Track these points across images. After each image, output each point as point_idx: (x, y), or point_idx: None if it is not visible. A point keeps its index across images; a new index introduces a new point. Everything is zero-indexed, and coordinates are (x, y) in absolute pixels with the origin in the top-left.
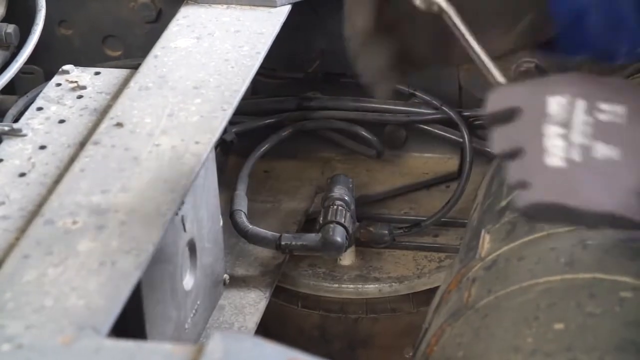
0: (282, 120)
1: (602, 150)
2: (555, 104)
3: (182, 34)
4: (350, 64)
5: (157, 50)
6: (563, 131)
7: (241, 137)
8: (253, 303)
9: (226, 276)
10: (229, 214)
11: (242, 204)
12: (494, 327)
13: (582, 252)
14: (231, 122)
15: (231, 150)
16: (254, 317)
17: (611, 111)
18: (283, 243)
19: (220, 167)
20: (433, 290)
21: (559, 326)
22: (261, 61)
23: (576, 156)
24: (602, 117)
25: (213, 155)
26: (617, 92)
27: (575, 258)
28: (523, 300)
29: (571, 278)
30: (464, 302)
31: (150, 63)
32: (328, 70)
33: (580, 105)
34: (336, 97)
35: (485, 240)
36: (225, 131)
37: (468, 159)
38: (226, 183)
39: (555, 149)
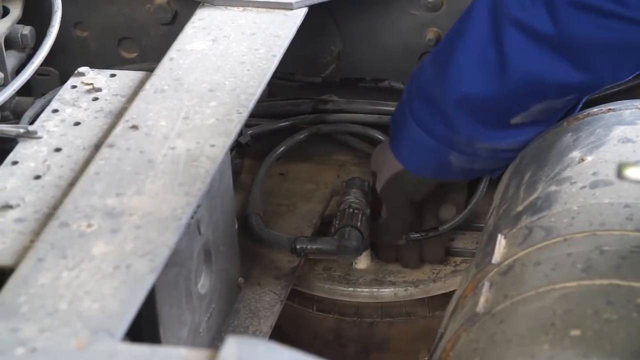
0: (297, 123)
1: None
2: None
3: (197, 36)
4: (366, 68)
5: (172, 52)
6: None
7: (257, 139)
8: (268, 306)
9: (241, 279)
10: (244, 217)
11: (257, 206)
12: (510, 333)
13: (599, 258)
14: (247, 125)
15: (247, 153)
16: (268, 321)
17: None
18: (298, 246)
19: (235, 169)
20: (448, 295)
21: (575, 333)
22: (277, 64)
23: None
24: None
25: (228, 158)
26: None
27: (592, 264)
28: (539, 306)
29: (588, 284)
30: (480, 308)
31: (165, 65)
32: (344, 73)
33: None
34: (352, 100)
35: (502, 245)
36: (240, 134)
37: None
38: (241, 186)
39: None
